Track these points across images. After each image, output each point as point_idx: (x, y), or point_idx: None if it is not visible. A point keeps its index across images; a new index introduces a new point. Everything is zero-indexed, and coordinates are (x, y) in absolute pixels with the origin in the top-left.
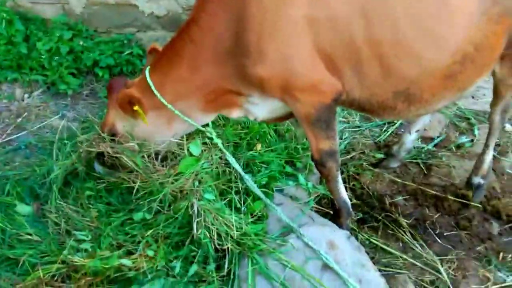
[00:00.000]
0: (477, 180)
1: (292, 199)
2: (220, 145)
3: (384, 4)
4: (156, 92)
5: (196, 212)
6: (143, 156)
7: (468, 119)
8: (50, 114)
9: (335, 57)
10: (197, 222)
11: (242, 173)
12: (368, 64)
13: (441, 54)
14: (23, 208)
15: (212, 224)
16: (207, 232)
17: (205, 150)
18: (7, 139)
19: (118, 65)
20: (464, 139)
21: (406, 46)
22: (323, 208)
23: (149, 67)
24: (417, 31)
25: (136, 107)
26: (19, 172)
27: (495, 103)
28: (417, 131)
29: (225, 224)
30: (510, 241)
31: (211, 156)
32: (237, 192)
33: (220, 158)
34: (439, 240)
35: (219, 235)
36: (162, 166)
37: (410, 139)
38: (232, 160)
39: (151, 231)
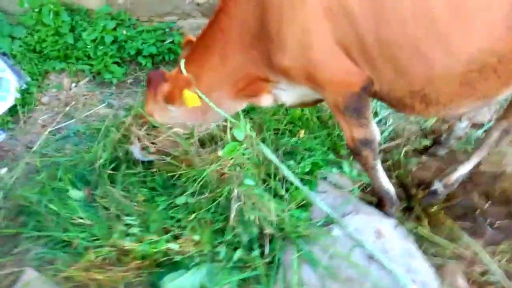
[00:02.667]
0: (438, 185)
1: (336, 187)
2: (254, 137)
3: (391, 4)
4: (193, 83)
5: (236, 197)
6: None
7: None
8: (96, 103)
9: (351, 50)
10: (236, 207)
11: (279, 164)
12: (380, 62)
13: (454, 61)
14: (75, 194)
15: (252, 209)
16: (247, 217)
17: (248, 136)
18: (56, 127)
19: (160, 53)
20: None
21: (415, 48)
22: (368, 196)
23: (183, 59)
24: (427, 34)
25: (185, 92)
26: (70, 159)
27: (502, 117)
28: (469, 118)
29: (266, 209)
30: None
31: (254, 142)
32: (279, 179)
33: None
34: (490, 230)
35: (259, 220)
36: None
37: (461, 127)
38: (267, 151)
39: (194, 214)
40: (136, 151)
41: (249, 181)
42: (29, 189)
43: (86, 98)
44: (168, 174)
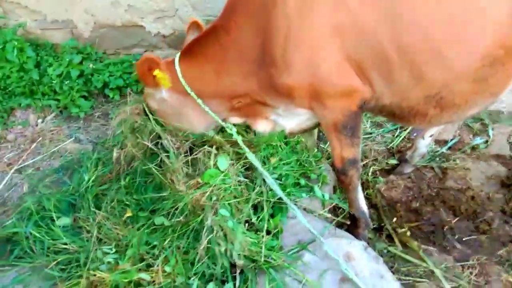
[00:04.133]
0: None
1: (307, 211)
2: (240, 141)
3: (411, 10)
4: (181, 79)
5: (208, 227)
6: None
7: (482, 119)
8: (63, 138)
9: (363, 64)
10: (208, 238)
11: (265, 173)
12: (398, 70)
13: (471, 58)
14: (62, 221)
15: (224, 241)
16: (217, 248)
17: (232, 165)
18: (22, 165)
19: (128, 85)
20: (478, 140)
21: (435, 51)
22: (338, 219)
23: (179, 53)
24: (446, 35)
25: (156, 72)
26: (53, 190)
27: None
28: (431, 135)
29: (237, 242)
30: None
31: (236, 171)
32: (254, 207)
33: (243, 171)
34: (458, 246)
35: (230, 252)
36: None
37: (424, 144)
38: (256, 163)
39: (167, 240)
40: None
41: (224, 212)
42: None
43: (53, 134)
44: (155, 185)
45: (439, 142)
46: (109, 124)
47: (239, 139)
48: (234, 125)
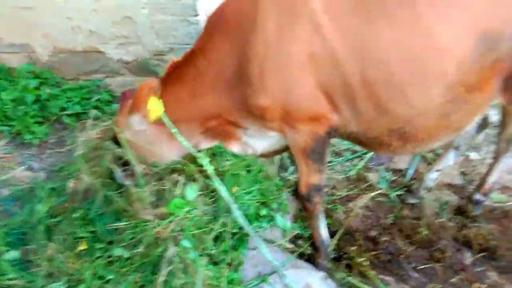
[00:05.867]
0: (478, 196)
1: (267, 242)
2: (211, 172)
3: (379, 47)
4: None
5: (169, 258)
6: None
7: (433, 150)
8: (14, 165)
9: (333, 92)
10: (167, 269)
11: (234, 206)
12: (363, 102)
13: (432, 95)
14: (10, 254)
15: (184, 273)
16: (176, 281)
17: (200, 195)
18: None
19: (86, 112)
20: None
21: (398, 88)
22: (298, 249)
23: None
24: (409, 73)
25: (152, 101)
26: (2, 221)
27: (501, 132)
28: (438, 170)
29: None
30: (483, 270)
31: (203, 202)
32: (215, 238)
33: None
34: (414, 274)
35: (189, 285)
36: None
37: (431, 178)
38: (222, 189)
39: (124, 274)
40: (118, 174)
41: (186, 243)
42: None
43: (4, 161)
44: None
45: (395, 171)
46: (65, 151)
47: (210, 169)
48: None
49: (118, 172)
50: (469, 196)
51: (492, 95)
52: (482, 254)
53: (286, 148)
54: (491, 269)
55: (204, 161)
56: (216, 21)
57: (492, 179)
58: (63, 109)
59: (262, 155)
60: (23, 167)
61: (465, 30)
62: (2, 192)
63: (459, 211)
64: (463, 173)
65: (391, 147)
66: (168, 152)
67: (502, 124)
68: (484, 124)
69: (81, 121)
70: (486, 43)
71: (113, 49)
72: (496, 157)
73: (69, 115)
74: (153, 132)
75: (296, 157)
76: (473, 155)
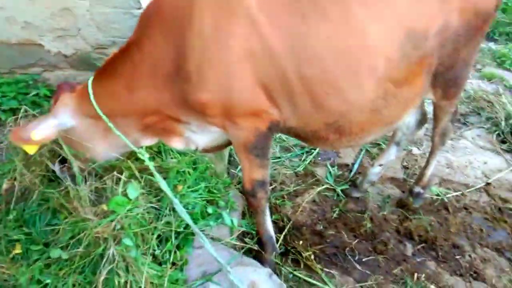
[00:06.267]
0: (417, 189)
1: (214, 240)
2: (152, 168)
3: (314, 43)
4: (93, 101)
5: (110, 257)
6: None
7: (379, 144)
8: None
9: (271, 88)
10: (108, 267)
11: (177, 203)
12: (300, 97)
13: (364, 90)
14: None
15: (125, 272)
16: (117, 280)
17: (142, 194)
18: None
19: (22, 107)
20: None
21: (332, 84)
22: (246, 246)
23: (92, 76)
24: (342, 69)
25: (32, 135)
26: None
27: (435, 126)
28: (381, 165)
29: (139, 274)
30: (423, 260)
31: (146, 200)
32: (159, 237)
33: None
34: (358, 267)
35: (130, 284)
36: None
37: (374, 172)
38: (164, 186)
39: (62, 276)
40: (57, 167)
41: (127, 241)
42: None
43: None
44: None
45: (341, 166)
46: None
47: (151, 165)
48: (146, 148)
49: (56, 168)
50: (410, 190)
51: (421, 90)
52: (422, 245)
53: (229, 143)
54: (431, 259)
55: (144, 156)
56: (151, 14)
57: (429, 172)
58: None
59: (205, 150)
60: None
61: (392, 28)
62: None
63: (401, 204)
64: (405, 167)
65: (328, 141)
66: (108, 148)
67: (435, 119)
68: (423, 119)
69: (15, 117)
70: (412, 40)
71: (50, 41)
72: (432, 151)
73: (4, 111)
74: (87, 127)
75: (238, 153)
76: (415, 150)
